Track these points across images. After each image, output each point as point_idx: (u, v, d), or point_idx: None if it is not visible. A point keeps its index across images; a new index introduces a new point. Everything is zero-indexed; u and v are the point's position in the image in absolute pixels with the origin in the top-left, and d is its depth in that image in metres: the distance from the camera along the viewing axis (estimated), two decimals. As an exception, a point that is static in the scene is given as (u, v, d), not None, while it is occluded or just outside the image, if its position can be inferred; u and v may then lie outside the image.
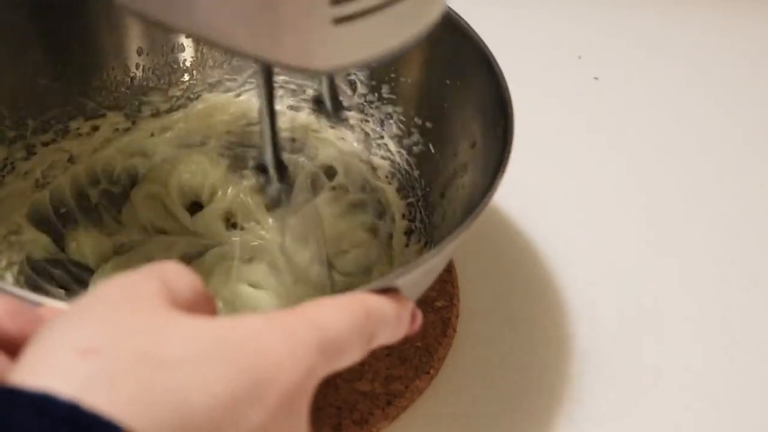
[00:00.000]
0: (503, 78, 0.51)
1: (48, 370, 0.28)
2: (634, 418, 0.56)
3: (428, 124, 0.59)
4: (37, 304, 0.37)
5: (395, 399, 0.54)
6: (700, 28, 0.84)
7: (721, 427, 0.56)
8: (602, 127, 0.74)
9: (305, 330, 0.33)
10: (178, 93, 0.64)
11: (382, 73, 0.61)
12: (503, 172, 0.46)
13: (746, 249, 0.67)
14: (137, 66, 0.62)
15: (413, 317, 0.39)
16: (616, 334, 0.60)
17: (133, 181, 0.63)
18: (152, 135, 0.64)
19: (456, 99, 0.57)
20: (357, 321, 0.35)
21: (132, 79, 0.63)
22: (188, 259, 0.60)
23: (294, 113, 0.64)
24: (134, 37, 0.62)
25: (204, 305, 0.35)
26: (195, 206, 0.63)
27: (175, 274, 0.34)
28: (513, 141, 0.48)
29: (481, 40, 0.54)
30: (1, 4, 0.57)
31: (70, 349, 0.29)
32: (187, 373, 0.29)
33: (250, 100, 0.64)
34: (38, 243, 0.58)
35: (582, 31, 0.80)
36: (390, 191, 0.61)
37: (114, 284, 0.33)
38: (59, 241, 0.59)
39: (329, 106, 0.53)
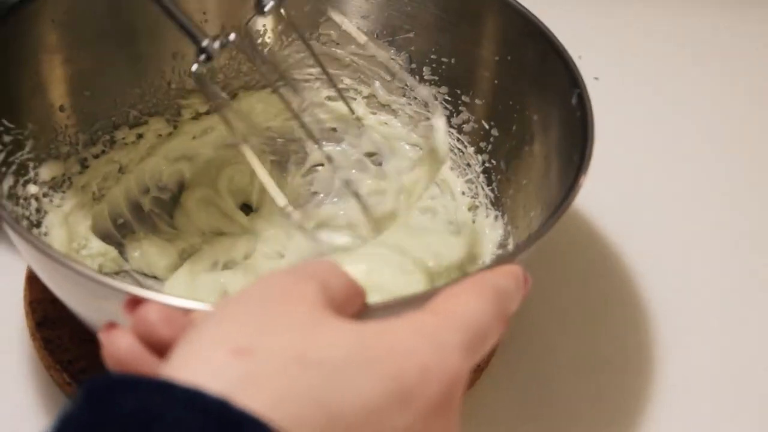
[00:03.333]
0: (564, 49, 0.53)
1: (200, 366, 0.29)
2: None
3: (477, 101, 0.60)
4: (188, 311, 0.37)
5: (444, 391, 0.54)
6: (701, 28, 0.83)
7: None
8: (602, 128, 0.73)
9: (448, 330, 0.33)
10: (216, 93, 0.64)
11: (421, 56, 0.62)
12: (593, 137, 0.48)
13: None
14: (173, 70, 0.62)
15: (525, 280, 0.40)
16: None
17: (181, 186, 0.63)
18: (194, 138, 0.63)
19: (508, 74, 0.58)
20: (492, 306, 0.35)
21: (169, 83, 0.62)
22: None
23: (333, 104, 0.64)
24: (169, 42, 0.61)
25: (355, 300, 0.36)
26: (245, 206, 0.63)
27: (331, 275, 0.34)
28: (592, 106, 0.49)
29: (533, 14, 0.55)
30: (42, 21, 0.56)
31: (224, 347, 0.29)
32: (336, 376, 0.29)
33: (287, 94, 0.65)
34: (107, 256, 0.57)
35: (582, 31, 0.79)
36: (444, 170, 0.62)
37: (272, 283, 0.33)
38: (122, 252, 0.59)
39: None
